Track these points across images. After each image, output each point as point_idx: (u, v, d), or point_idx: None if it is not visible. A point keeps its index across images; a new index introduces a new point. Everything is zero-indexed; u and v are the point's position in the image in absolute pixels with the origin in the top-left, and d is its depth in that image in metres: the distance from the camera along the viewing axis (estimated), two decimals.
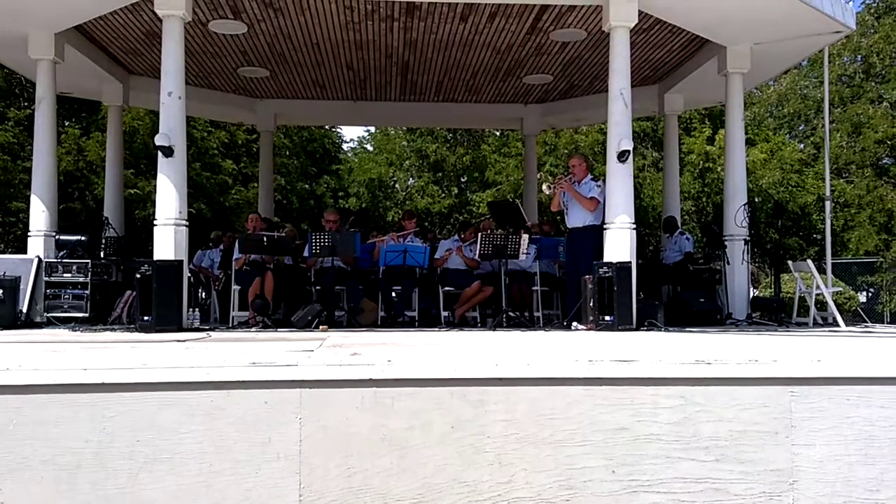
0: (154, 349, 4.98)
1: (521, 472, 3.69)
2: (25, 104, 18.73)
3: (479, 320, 9.76)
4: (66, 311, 8.94)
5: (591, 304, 8.00)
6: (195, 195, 18.57)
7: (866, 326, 10.19)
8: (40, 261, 8.99)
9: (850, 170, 24.40)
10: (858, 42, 23.69)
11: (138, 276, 7.71)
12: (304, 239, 9.73)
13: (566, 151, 22.36)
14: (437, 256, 9.83)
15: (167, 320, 7.55)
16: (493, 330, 8.21)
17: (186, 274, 8.33)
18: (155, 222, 8.19)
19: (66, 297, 8.99)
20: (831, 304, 9.86)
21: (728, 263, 9.77)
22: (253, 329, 8.32)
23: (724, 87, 10.18)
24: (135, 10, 9.21)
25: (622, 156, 8.43)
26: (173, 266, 7.85)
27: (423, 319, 9.49)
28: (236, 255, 9.37)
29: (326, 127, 26.93)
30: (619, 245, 8.30)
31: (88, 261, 9.13)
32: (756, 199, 20.22)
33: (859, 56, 24.57)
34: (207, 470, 3.57)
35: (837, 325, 9.38)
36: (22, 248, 9.94)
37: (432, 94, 13.43)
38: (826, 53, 14.02)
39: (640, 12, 8.65)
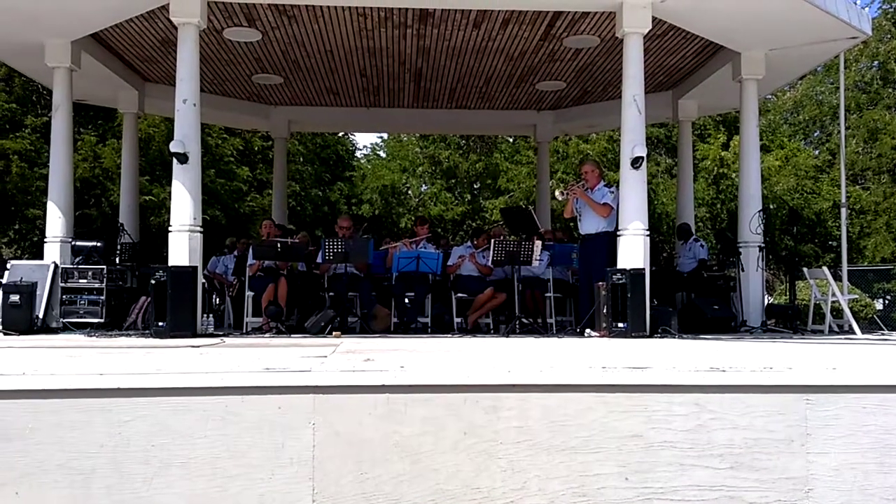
0: (169, 355, 5.01)
1: (535, 479, 3.68)
2: (42, 111, 18.89)
3: (491, 327, 9.75)
4: (81, 317, 8.99)
5: (605, 311, 7.98)
6: (210, 202, 18.65)
7: (883, 334, 10.10)
8: (56, 267, 9.05)
9: (866, 176, 24.29)
10: (876, 48, 23.57)
11: (153, 281, 7.75)
12: (318, 245, 9.76)
13: (574, 161, 22.35)
14: (449, 263, 9.82)
15: (182, 326, 7.59)
16: (506, 336, 8.20)
17: (201, 280, 8.37)
18: (170, 228, 8.24)
19: (82, 302, 9.04)
20: (847, 311, 9.79)
21: (742, 270, 9.72)
22: (266, 335, 8.34)
23: (738, 94, 10.13)
24: (150, 18, 9.29)
25: (636, 162, 8.41)
26: (188, 272, 7.88)
27: (435, 326, 9.49)
28: (250, 261, 9.41)
29: (340, 134, 27.01)
30: (633, 251, 8.28)
31: (104, 267, 9.17)
32: (771, 206, 20.14)
33: (876, 62, 24.45)
34: (221, 475, 3.58)
35: (853, 333, 9.31)
36: (38, 255, 10.01)
37: (445, 101, 13.45)
38: (842, 59, 14.00)
39: (654, 18, 8.63)
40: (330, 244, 8.80)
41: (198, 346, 6.01)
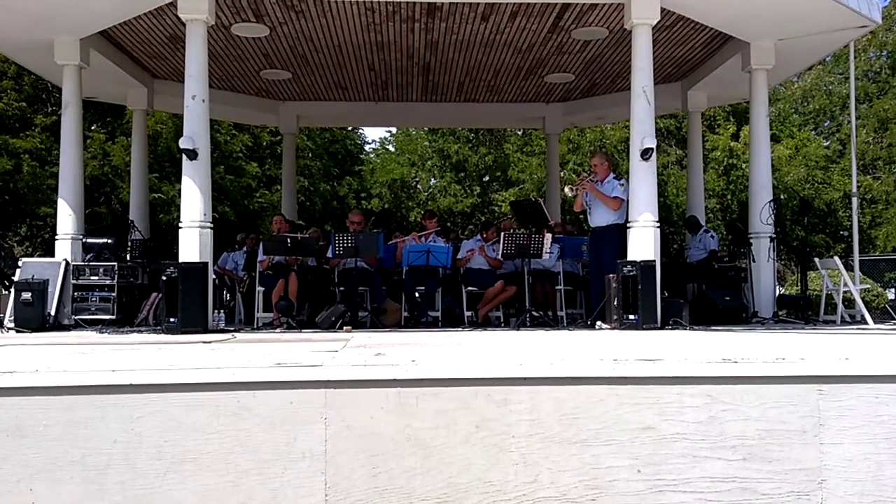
0: (180, 350, 5.02)
1: (547, 472, 3.68)
2: (52, 110, 18.95)
3: (502, 320, 9.75)
4: (93, 314, 9.01)
5: (616, 303, 7.96)
6: (219, 198, 18.68)
7: (895, 323, 10.06)
8: (68, 264, 9.08)
9: (876, 166, 24.15)
10: (884, 37, 23.42)
11: (164, 278, 7.77)
12: (328, 240, 9.78)
13: (590, 149, 22.29)
14: (459, 256, 9.82)
15: (193, 322, 7.61)
16: (517, 330, 8.19)
17: (211, 276, 8.39)
18: (180, 225, 8.26)
19: (94, 299, 9.06)
20: (859, 301, 9.74)
21: (754, 261, 9.69)
22: (277, 330, 8.36)
23: (748, 84, 10.08)
24: (159, 15, 9.30)
25: (645, 154, 8.39)
26: (198, 268, 7.90)
27: (446, 319, 9.49)
28: (261, 256, 9.43)
29: (349, 128, 27.02)
30: (643, 243, 8.26)
31: (115, 263, 9.20)
32: (781, 196, 20.05)
33: (885, 51, 24.29)
34: (234, 470, 3.59)
35: (865, 323, 9.27)
36: (50, 252, 10.05)
37: (454, 94, 13.44)
38: (851, 49, 13.89)
39: (663, 9, 8.59)
40: (340, 239, 8.81)
41: (209, 342, 6.03)
